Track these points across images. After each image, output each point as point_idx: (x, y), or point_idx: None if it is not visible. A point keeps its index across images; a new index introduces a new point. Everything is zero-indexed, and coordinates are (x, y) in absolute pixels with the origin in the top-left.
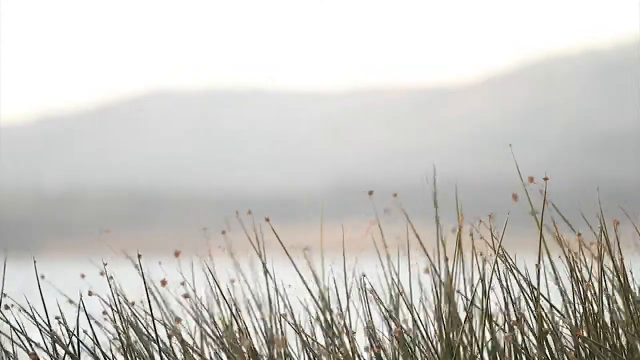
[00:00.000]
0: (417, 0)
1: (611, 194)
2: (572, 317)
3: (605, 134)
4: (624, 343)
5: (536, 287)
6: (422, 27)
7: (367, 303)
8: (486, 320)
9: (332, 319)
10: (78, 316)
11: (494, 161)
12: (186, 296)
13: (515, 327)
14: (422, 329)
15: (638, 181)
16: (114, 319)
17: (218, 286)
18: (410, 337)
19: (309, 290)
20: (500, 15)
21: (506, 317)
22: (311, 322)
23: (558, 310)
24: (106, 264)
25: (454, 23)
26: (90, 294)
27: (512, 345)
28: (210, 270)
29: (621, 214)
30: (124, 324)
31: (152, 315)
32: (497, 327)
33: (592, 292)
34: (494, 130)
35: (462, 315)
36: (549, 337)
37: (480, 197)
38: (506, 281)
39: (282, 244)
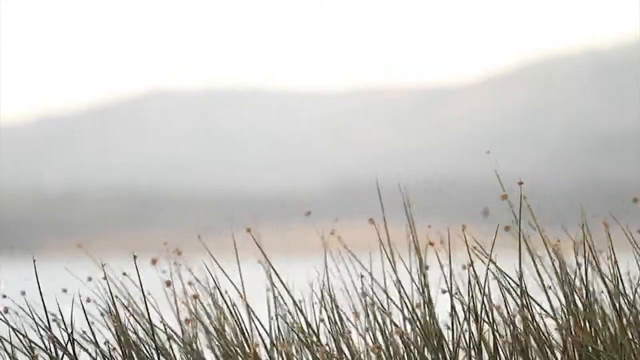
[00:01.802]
0: (417, 0)
1: (611, 194)
2: (559, 317)
3: (605, 134)
4: (613, 341)
5: (523, 288)
6: (422, 27)
7: (366, 302)
8: (472, 321)
9: (335, 320)
10: (72, 316)
11: (493, 161)
12: (196, 297)
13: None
14: (408, 329)
15: (638, 181)
16: (113, 319)
17: (218, 287)
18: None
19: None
20: (500, 15)
21: (492, 318)
22: (316, 322)
23: (545, 311)
24: (104, 264)
25: (454, 23)
26: (88, 299)
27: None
28: (209, 271)
29: (613, 214)
30: (122, 324)
31: (149, 316)
32: (485, 329)
33: (580, 292)
34: (494, 130)
35: (447, 316)
36: (537, 338)
37: (480, 197)
38: (496, 282)
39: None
